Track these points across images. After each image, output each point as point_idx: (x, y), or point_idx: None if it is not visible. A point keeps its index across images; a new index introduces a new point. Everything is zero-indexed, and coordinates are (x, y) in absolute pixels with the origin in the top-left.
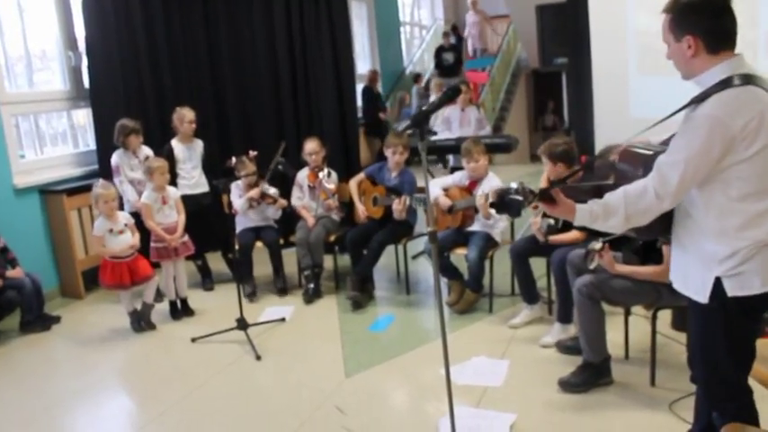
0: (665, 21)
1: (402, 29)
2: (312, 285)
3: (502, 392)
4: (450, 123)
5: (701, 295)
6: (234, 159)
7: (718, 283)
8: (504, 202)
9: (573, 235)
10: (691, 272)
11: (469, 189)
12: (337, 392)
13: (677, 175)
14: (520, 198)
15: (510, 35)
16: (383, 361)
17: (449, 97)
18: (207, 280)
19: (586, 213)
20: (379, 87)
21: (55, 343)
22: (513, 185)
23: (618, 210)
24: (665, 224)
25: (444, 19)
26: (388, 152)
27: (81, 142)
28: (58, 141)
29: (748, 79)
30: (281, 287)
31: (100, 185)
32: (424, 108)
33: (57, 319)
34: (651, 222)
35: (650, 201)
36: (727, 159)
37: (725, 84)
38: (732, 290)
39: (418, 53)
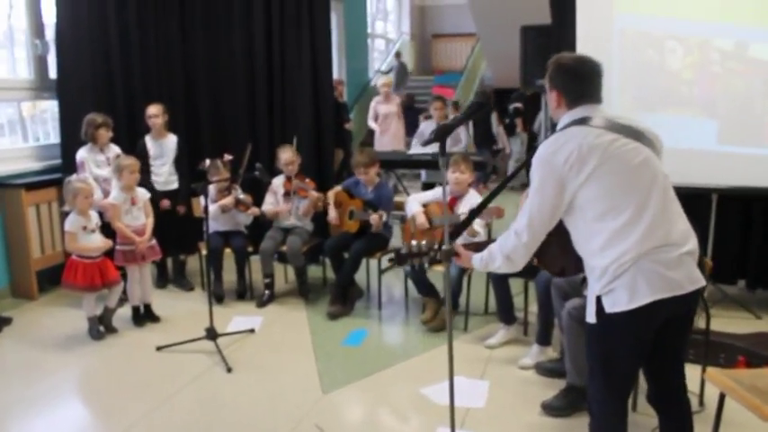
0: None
1: (369, 41)
2: (268, 292)
3: (485, 414)
4: (424, 138)
5: (591, 316)
6: (208, 162)
7: (598, 301)
8: (399, 256)
9: None
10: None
11: (450, 205)
12: (315, 409)
13: (526, 212)
14: (405, 253)
15: (475, 54)
16: (361, 378)
17: (473, 112)
18: (161, 279)
19: (478, 259)
20: (345, 97)
21: (5, 346)
22: (414, 243)
23: (496, 253)
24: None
25: (410, 33)
26: (357, 173)
27: (32, 134)
28: (5, 132)
29: (576, 122)
30: (242, 291)
31: (77, 179)
32: (447, 122)
33: (8, 321)
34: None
35: (512, 238)
36: (567, 189)
37: (561, 129)
38: (608, 306)
39: (384, 65)
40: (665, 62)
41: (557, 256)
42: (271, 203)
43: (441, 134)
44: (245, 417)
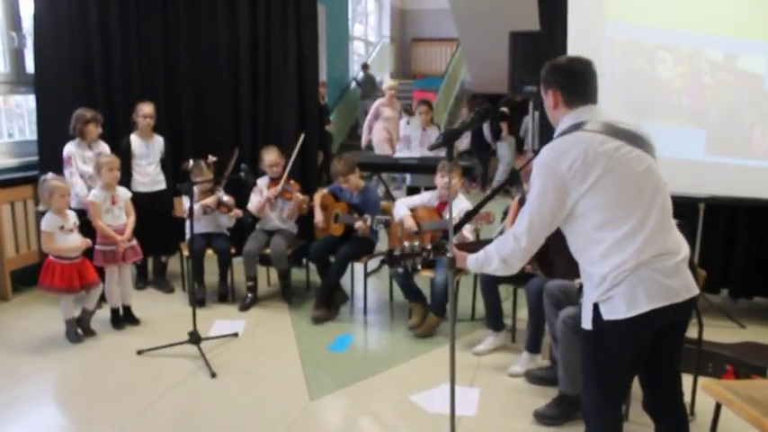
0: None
1: (349, 43)
2: (251, 295)
3: (476, 422)
4: (409, 142)
5: (587, 322)
6: (191, 162)
7: (596, 308)
8: (392, 258)
9: None
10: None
11: (438, 210)
12: (303, 416)
13: (526, 216)
14: (398, 254)
15: (456, 59)
16: (349, 384)
17: (481, 117)
18: (140, 280)
19: (473, 260)
20: (326, 99)
21: None
22: (406, 244)
23: (492, 255)
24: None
25: (390, 36)
26: (337, 182)
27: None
28: None
29: (578, 126)
30: (223, 294)
31: (54, 177)
32: (455, 127)
33: None
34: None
35: (510, 242)
36: (570, 196)
37: (563, 133)
38: (605, 314)
39: (361, 73)
40: (655, 71)
41: (543, 252)
42: (257, 202)
43: (448, 138)
44: (230, 424)
